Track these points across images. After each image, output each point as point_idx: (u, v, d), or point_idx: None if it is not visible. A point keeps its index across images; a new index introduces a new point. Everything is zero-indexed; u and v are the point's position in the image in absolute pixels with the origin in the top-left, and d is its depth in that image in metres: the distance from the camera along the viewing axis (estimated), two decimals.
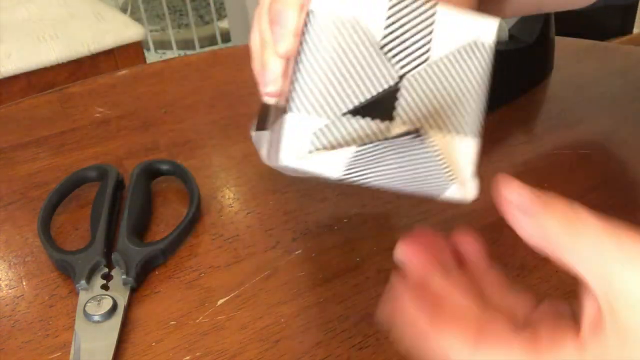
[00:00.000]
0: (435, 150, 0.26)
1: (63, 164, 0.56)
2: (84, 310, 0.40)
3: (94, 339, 0.39)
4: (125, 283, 0.42)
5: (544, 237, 0.25)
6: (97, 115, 0.62)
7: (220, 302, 0.42)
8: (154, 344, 0.39)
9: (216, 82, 0.67)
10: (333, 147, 0.27)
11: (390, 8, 0.27)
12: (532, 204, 0.25)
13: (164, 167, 0.52)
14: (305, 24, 0.27)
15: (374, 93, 0.27)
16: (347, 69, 0.27)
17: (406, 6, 0.27)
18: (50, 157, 0.57)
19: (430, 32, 0.27)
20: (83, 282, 0.42)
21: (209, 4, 2.38)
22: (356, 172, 0.27)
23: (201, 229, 0.48)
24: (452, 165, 0.28)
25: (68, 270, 0.43)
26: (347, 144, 0.27)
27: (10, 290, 0.44)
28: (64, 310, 0.42)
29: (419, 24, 0.27)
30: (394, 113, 0.27)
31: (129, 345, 0.39)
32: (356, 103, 0.27)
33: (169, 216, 0.49)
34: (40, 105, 0.64)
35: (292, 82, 0.27)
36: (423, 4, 0.27)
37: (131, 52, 1.27)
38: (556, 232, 0.25)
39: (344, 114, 0.27)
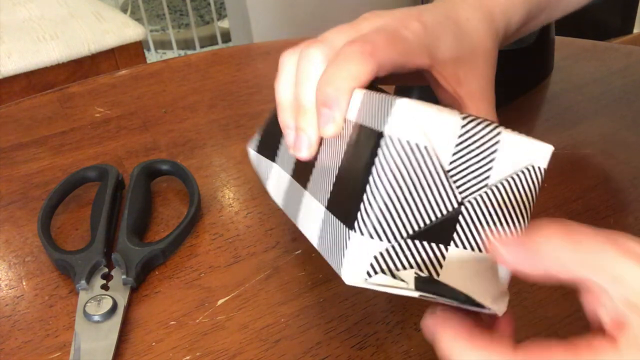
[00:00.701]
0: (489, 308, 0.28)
1: (63, 164, 0.56)
2: (84, 310, 0.40)
3: (94, 339, 0.39)
4: (125, 283, 0.42)
5: (550, 264, 0.25)
6: (97, 115, 0.62)
7: (220, 302, 0.42)
8: (154, 344, 0.39)
9: (216, 82, 0.67)
10: (392, 270, 0.27)
11: (460, 135, 0.27)
12: (526, 245, 0.26)
13: (164, 167, 0.52)
14: (378, 146, 0.27)
15: (436, 217, 0.28)
16: (412, 193, 0.27)
17: (475, 132, 0.27)
18: (50, 157, 0.57)
19: (493, 158, 0.28)
20: (83, 282, 0.42)
21: (209, 4, 2.38)
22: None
23: (201, 229, 0.48)
24: (492, 286, 0.29)
25: (68, 270, 0.43)
26: (405, 267, 0.27)
27: (10, 290, 0.44)
28: (64, 310, 0.42)
29: (484, 149, 0.28)
30: (452, 237, 0.28)
31: (129, 345, 0.39)
32: (418, 227, 0.27)
33: (169, 216, 0.49)
34: (40, 105, 0.64)
35: (357, 201, 0.28)
36: (490, 129, 0.28)
37: (131, 52, 1.27)
38: (559, 254, 0.25)
39: (406, 238, 0.27)
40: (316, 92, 0.33)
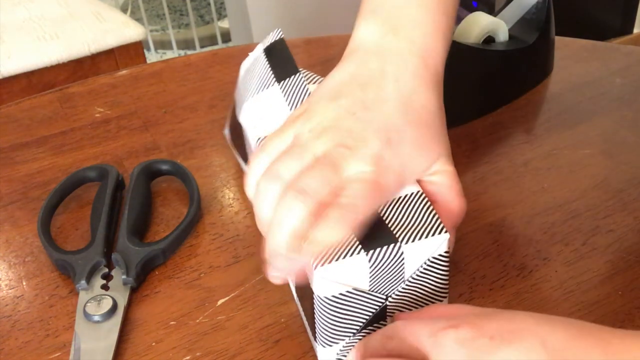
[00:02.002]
0: None
1: (63, 164, 0.56)
2: (84, 310, 0.40)
3: (94, 339, 0.39)
4: (125, 283, 0.42)
5: None
6: (97, 115, 0.62)
7: (220, 302, 0.42)
8: (154, 344, 0.39)
9: (216, 82, 0.67)
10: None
11: (370, 267, 0.33)
12: None
13: (164, 167, 0.52)
14: (315, 302, 0.34)
15: (371, 314, 0.35)
16: (350, 312, 0.35)
17: (380, 259, 0.33)
18: (50, 157, 0.57)
19: (403, 266, 0.34)
20: (83, 282, 0.42)
21: (209, 4, 2.38)
22: None
23: (201, 229, 0.48)
24: None
25: (68, 270, 0.43)
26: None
27: (10, 290, 0.44)
28: (64, 310, 0.42)
29: (394, 265, 0.34)
30: (386, 316, 0.36)
31: (129, 345, 0.39)
32: (361, 326, 0.36)
33: (169, 216, 0.49)
34: (40, 105, 0.64)
35: (312, 321, 0.36)
36: (391, 249, 0.33)
37: (131, 52, 1.26)
38: None
39: (354, 334, 0.36)
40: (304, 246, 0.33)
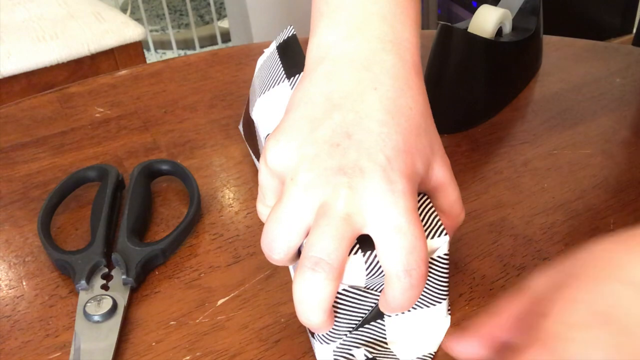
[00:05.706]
0: None
1: (63, 164, 0.56)
2: (84, 310, 0.40)
3: (94, 339, 0.39)
4: (125, 283, 0.42)
5: None
6: (97, 115, 0.62)
7: (220, 302, 0.42)
8: (154, 344, 0.39)
9: (216, 82, 0.67)
10: (349, 351, 0.37)
11: (367, 267, 0.33)
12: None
13: (164, 167, 0.52)
14: None
15: (368, 312, 0.36)
16: (349, 311, 0.35)
17: (376, 261, 0.33)
18: (50, 157, 0.57)
19: None
20: (83, 282, 0.42)
21: (209, 4, 2.39)
22: None
23: (201, 229, 0.48)
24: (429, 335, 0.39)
25: (68, 270, 0.43)
26: (357, 345, 0.37)
27: (10, 290, 0.44)
28: (64, 310, 0.42)
29: None
30: (384, 315, 0.37)
31: (129, 345, 0.39)
32: (357, 323, 0.36)
33: (169, 216, 0.49)
34: (40, 105, 0.64)
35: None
36: None
37: (131, 52, 1.27)
38: None
39: (351, 332, 0.37)
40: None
